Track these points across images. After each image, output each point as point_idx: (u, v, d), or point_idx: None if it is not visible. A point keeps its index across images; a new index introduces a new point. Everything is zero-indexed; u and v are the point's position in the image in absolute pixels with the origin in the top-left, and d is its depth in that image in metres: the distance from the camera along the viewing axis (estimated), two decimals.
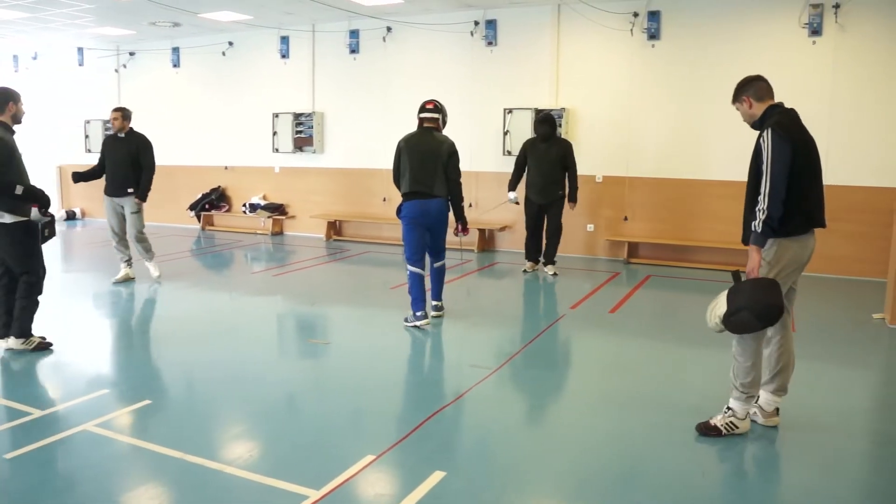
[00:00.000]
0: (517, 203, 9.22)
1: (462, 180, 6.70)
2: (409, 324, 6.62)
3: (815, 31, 9.04)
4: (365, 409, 4.67)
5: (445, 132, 6.78)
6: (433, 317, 6.87)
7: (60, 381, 5.27)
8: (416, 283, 6.60)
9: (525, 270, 9.33)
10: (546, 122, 9.00)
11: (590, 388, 5.28)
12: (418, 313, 6.57)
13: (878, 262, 8.70)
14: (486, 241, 11.21)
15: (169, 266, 8.99)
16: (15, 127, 5.64)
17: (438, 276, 6.95)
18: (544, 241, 9.30)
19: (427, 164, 6.48)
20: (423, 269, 6.63)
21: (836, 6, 8.88)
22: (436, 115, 6.64)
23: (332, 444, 4.08)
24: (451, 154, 6.56)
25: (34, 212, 5.54)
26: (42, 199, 5.53)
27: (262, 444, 4.14)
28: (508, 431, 4.37)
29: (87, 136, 14.82)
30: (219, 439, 4.23)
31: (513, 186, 9.17)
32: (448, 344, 6.26)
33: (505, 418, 4.60)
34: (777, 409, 4.31)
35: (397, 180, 6.65)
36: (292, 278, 9.20)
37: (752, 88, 4.17)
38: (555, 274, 9.15)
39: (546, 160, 8.95)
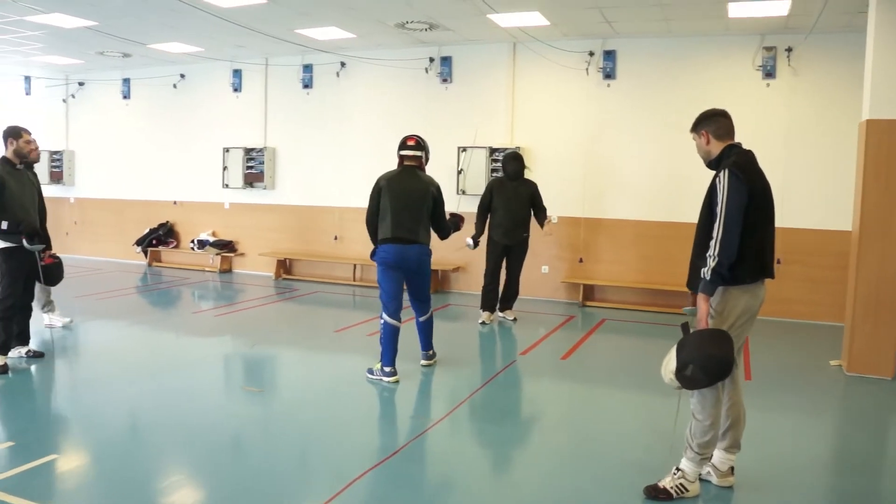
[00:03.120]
0: (474, 248, 8.36)
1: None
2: (372, 376, 6.05)
3: (769, 73, 9.03)
4: (290, 466, 4.29)
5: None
6: (424, 365, 6.45)
7: None
8: (389, 336, 5.97)
9: (483, 322, 8.54)
10: (516, 159, 8.56)
11: (535, 442, 4.97)
12: (387, 368, 5.97)
13: (832, 305, 8.61)
14: (439, 282, 10.91)
15: (110, 304, 8.54)
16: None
17: (426, 329, 6.43)
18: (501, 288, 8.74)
19: (412, 208, 5.93)
20: (399, 320, 6.02)
21: (789, 49, 8.89)
22: (419, 154, 6.10)
23: None
24: (439, 200, 6.11)
25: (24, 241, 5.96)
26: (28, 235, 5.96)
27: None
28: (445, 490, 4.04)
29: None
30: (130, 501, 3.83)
31: (479, 232, 8.38)
32: (389, 392, 5.90)
33: (442, 475, 4.27)
34: (732, 468, 4.03)
35: (373, 223, 6.01)
36: (236, 318, 8.80)
37: (713, 124, 3.92)
38: (514, 319, 8.74)
39: (516, 199, 8.41)
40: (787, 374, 6.64)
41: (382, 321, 6.02)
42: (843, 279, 7.63)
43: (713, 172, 3.90)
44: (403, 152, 6.13)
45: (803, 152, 8.93)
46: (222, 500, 3.83)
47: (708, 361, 3.61)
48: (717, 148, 3.92)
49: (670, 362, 3.76)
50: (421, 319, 6.37)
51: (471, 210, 8.72)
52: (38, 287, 7.69)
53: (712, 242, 3.65)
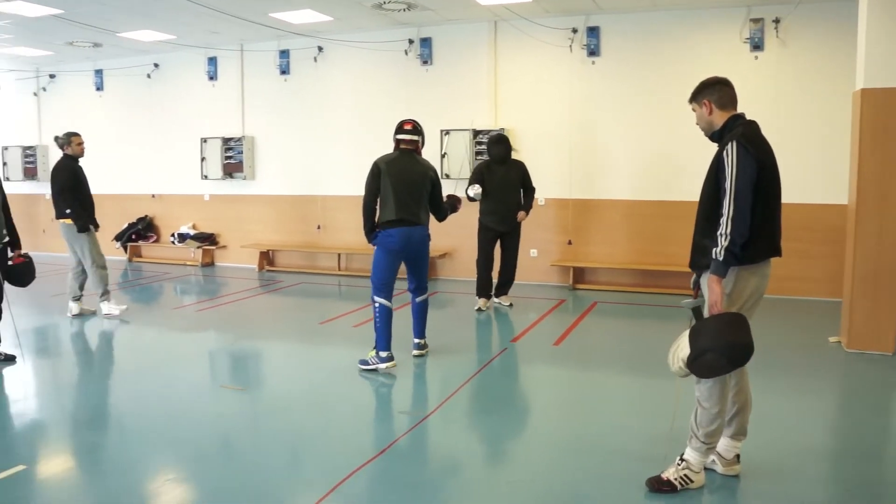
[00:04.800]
0: (476, 199, 7.84)
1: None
2: (367, 367, 5.85)
3: (757, 45, 8.82)
4: (280, 463, 4.07)
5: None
6: (416, 356, 6.27)
7: None
8: (384, 317, 5.86)
9: (479, 309, 8.30)
10: (501, 142, 8.26)
11: (529, 433, 4.78)
12: (383, 354, 5.84)
13: (828, 281, 8.47)
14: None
15: (89, 302, 8.26)
16: None
17: (421, 311, 6.30)
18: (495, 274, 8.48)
19: (414, 190, 5.90)
20: (391, 301, 5.92)
21: (777, 21, 8.67)
22: (415, 137, 6.04)
23: None
24: (437, 184, 6.10)
25: None
26: None
27: None
28: (438, 486, 3.83)
29: (4, 164, 13.95)
30: None
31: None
32: (376, 384, 5.68)
33: (432, 473, 4.07)
34: (738, 456, 3.84)
35: (371, 206, 5.90)
36: (217, 313, 8.54)
37: (716, 93, 3.67)
38: (510, 304, 8.52)
39: (507, 184, 8.14)
40: (786, 353, 6.46)
41: (376, 304, 5.87)
42: (838, 254, 7.47)
43: (708, 148, 3.68)
44: (400, 136, 6.06)
45: (793, 126, 8.72)
46: (212, 500, 3.62)
47: (731, 349, 3.40)
48: (720, 118, 3.68)
49: (680, 349, 3.53)
50: (418, 300, 6.25)
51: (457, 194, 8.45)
52: (92, 274, 7.97)
53: (723, 220, 3.42)
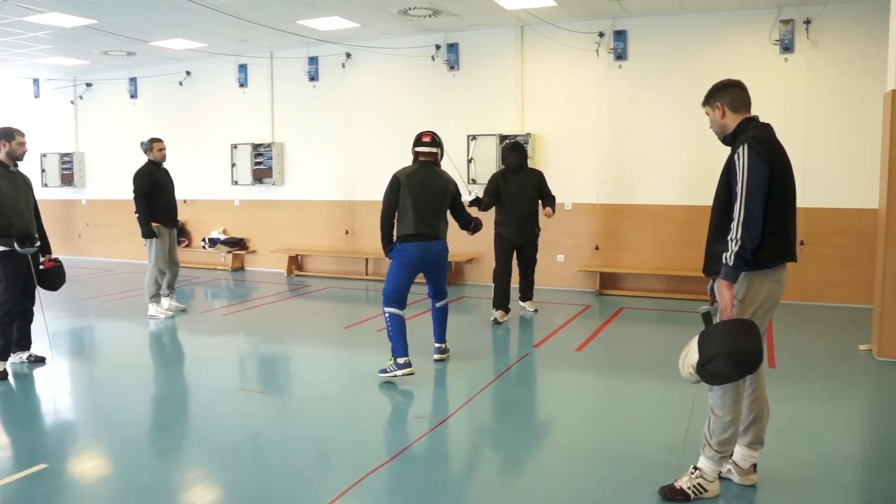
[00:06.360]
0: (476, 199, 7.37)
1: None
2: (386, 374, 5.75)
3: (787, 47, 8.68)
4: (291, 468, 4.10)
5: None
6: (437, 360, 6.26)
7: None
8: (397, 326, 5.78)
9: (496, 321, 7.90)
10: (516, 149, 8.00)
11: (543, 439, 4.74)
12: (400, 361, 5.72)
13: (858, 287, 8.30)
14: (453, 274, 10.68)
15: (120, 305, 8.43)
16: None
17: (442, 317, 6.26)
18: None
19: (433, 204, 5.87)
20: (403, 309, 5.85)
21: (808, 22, 8.54)
22: (434, 150, 6.01)
23: None
24: (457, 196, 6.09)
25: (15, 245, 5.84)
26: (18, 238, 5.83)
27: None
28: (453, 491, 3.83)
29: (43, 171, 14.26)
30: None
31: (486, 204, 7.68)
32: (394, 388, 5.68)
33: (445, 479, 4.05)
34: (754, 466, 3.77)
35: (389, 219, 5.85)
36: (244, 317, 8.64)
37: (728, 95, 3.63)
38: (535, 310, 8.42)
39: (522, 195, 7.89)
40: (814, 360, 6.34)
41: (387, 314, 5.84)
42: (870, 259, 7.31)
43: (728, 151, 3.63)
44: (419, 149, 6.03)
45: (824, 128, 8.58)
46: (234, 499, 3.67)
47: (738, 355, 3.32)
48: (733, 121, 3.63)
49: (690, 355, 3.47)
50: (438, 305, 6.23)
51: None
52: (148, 275, 8.35)
53: (733, 224, 3.37)
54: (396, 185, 5.84)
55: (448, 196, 5.99)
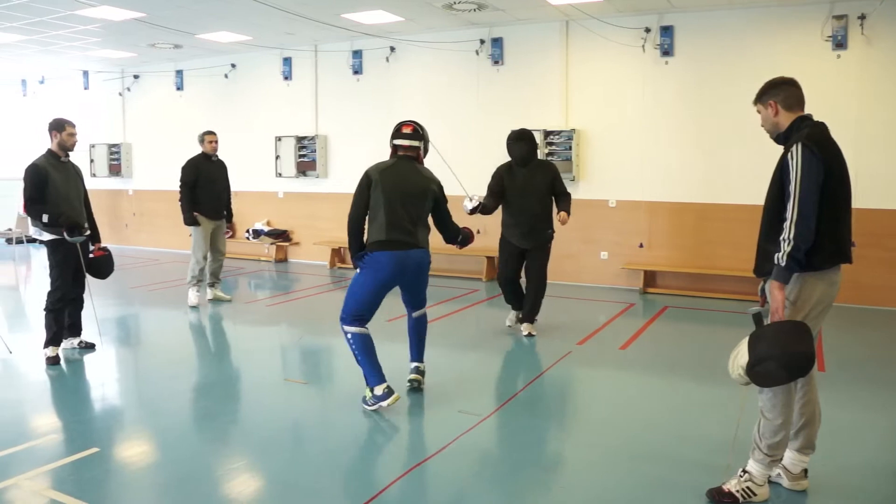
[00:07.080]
0: (475, 206, 6.34)
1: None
2: (370, 407, 4.89)
3: (840, 44, 8.48)
4: (332, 463, 4.14)
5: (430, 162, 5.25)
6: (410, 381, 5.33)
7: None
8: (363, 347, 4.90)
9: (511, 325, 7.27)
10: (523, 138, 6.76)
11: (591, 438, 4.70)
12: (378, 390, 4.82)
13: None
14: (495, 269, 10.64)
15: (166, 293, 8.59)
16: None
17: (419, 329, 5.37)
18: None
19: (410, 206, 4.96)
20: (366, 328, 4.99)
21: (862, 17, 8.32)
22: (416, 143, 5.12)
23: None
24: (442, 200, 5.18)
25: (65, 233, 5.98)
26: (67, 227, 5.95)
27: None
28: (491, 490, 3.82)
29: (91, 161, 14.54)
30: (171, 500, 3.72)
31: (488, 208, 6.61)
32: (437, 383, 5.68)
33: (489, 474, 4.06)
34: (805, 471, 3.70)
35: (358, 223, 4.97)
36: (287, 308, 8.73)
37: (782, 93, 3.56)
38: (531, 334, 7.04)
39: (531, 191, 6.73)
40: (865, 365, 6.21)
41: (349, 335, 4.94)
42: None
43: (780, 149, 3.56)
44: (398, 141, 5.17)
45: (878, 128, 8.36)
46: (280, 492, 3.73)
47: (789, 358, 3.26)
48: (786, 120, 3.56)
49: (740, 356, 3.41)
50: (414, 315, 5.37)
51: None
52: (210, 259, 8.64)
53: (786, 224, 3.30)
54: (367, 183, 4.96)
55: (429, 198, 5.07)
